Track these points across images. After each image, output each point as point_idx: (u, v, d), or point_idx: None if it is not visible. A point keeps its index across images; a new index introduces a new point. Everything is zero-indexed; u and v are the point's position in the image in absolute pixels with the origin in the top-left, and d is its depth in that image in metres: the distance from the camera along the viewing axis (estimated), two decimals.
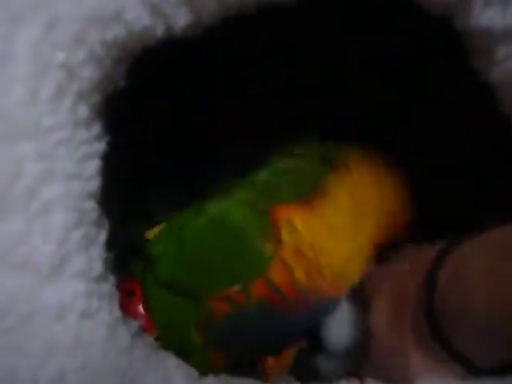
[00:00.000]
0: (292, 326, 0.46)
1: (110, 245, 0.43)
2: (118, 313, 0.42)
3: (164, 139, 0.54)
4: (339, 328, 0.51)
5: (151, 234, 0.53)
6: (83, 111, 0.39)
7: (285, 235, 0.43)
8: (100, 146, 0.40)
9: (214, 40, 0.40)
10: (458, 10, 0.32)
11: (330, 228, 0.43)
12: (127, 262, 0.50)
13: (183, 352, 0.47)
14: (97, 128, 0.40)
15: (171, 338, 0.48)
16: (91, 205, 0.40)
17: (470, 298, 0.35)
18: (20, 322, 0.37)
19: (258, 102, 0.50)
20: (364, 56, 0.44)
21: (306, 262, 0.43)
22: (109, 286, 0.42)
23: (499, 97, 0.32)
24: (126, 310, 0.44)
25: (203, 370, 0.45)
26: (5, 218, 0.37)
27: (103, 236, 0.42)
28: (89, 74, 0.38)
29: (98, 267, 0.41)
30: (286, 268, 0.42)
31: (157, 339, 0.47)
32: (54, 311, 0.38)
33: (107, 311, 0.41)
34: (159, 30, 0.38)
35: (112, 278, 0.43)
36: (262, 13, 0.37)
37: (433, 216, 0.45)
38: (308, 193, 0.44)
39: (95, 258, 0.41)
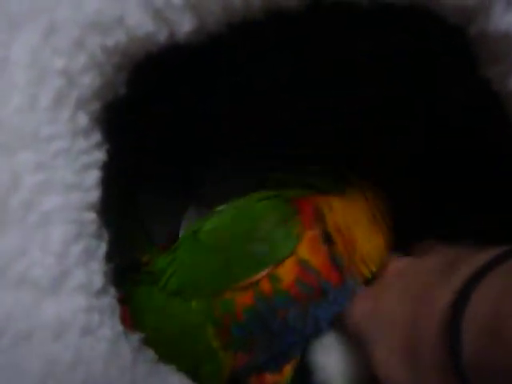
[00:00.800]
0: (313, 318, 0.46)
1: (110, 257, 0.41)
2: (119, 327, 0.41)
3: (164, 147, 0.52)
4: (327, 355, 0.51)
5: (147, 257, 0.52)
6: (82, 120, 0.38)
7: (326, 212, 0.45)
8: (99, 156, 0.39)
9: (218, 46, 0.38)
10: (477, 15, 0.31)
11: (357, 219, 0.46)
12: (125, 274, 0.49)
13: (196, 360, 0.46)
14: (96, 137, 0.39)
15: (183, 348, 0.47)
16: (91, 216, 0.39)
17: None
18: (18, 340, 0.36)
19: (265, 98, 0.49)
20: (373, 52, 0.43)
21: (345, 239, 0.45)
22: (109, 300, 0.41)
23: None
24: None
25: (215, 377, 0.45)
26: (1, 231, 0.35)
27: (103, 248, 0.41)
28: (89, 81, 0.37)
29: (98, 281, 0.39)
30: (322, 246, 0.44)
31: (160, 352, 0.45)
32: (53, 328, 0.37)
33: (108, 326, 0.40)
34: (162, 36, 0.36)
35: (112, 291, 0.42)
36: (269, 18, 0.36)
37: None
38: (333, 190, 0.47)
39: (95, 271, 0.39)
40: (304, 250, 0.44)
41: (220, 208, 0.49)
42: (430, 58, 0.43)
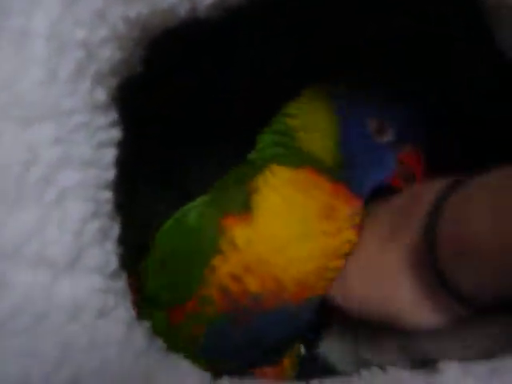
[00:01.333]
0: (261, 331, 0.46)
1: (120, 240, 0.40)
2: (132, 311, 0.40)
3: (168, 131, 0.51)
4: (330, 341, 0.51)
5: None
6: (101, 95, 0.37)
7: (229, 253, 0.42)
8: (116, 134, 0.38)
9: (236, 21, 0.38)
10: None
11: (271, 239, 0.43)
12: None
13: None
14: (113, 114, 0.38)
15: None
16: (107, 195, 0.38)
17: (472, 231, 0.35)
18: (34, 321, 0.34)
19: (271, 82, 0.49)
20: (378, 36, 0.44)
21: (258, 274, 0.42)
22: (122, 283, 0.40)
23: None
24: None
25: None
26: (19, 208, 0.34)
27: (116, 229, 0.39)
28: (108, 54, 0.36)
29: (113, 262, 0.38)
30: (236, 280, 0.42)
31: None
32: (70, 309, 0.35)
33: (123, 309, 0.39)
34: (183, 10, 0.36)
35: (124, 275, 0.41)
36: None
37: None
38: (243, 206, 0.43)
39: (110, 251, 0.38)
40: (226, 279, 0.43)
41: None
42: (443, 42, 0.43)
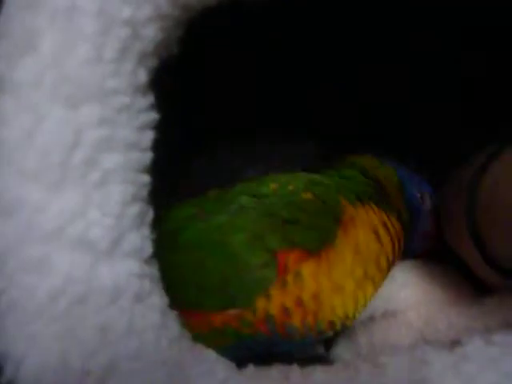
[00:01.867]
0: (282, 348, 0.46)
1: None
2: (166, 298, 0.39)
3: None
4: None
5: None
6: (142, 76, 0.36)
7: (290, 282, 0.42)
8: (154, 116, 0.38)
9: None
10: None
11: (333, 283, 0.43)
12: None
13: None
14: (151, 96, 0.38)
15: None
16: (146, 178, 0.37)
17: (502, 198, 0.37)
18: (74, 304, 0.34)
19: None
20: None
21: (305, 313, 0.42)
22: (156, 269, 0.40)
23: None
24: None
25: None
26: (62, 189, 0.33)
27: (151, 215, 0.39)
28: (152, 33, 0.35)
29: (149, 247, 0.38)
30: (284, 312, 0.42)
31: None
32: (109, 292, 0.35)
33: (158, 295, 0.38)
34: None
35: (156, 262, 0.40)
36: None
37: None
38: (319, 243, 0.43)
39: (146, 236, 0.38)
40: (275, 309, 0.42)
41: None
42: None
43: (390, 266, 0.47)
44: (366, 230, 0.45)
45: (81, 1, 0.33)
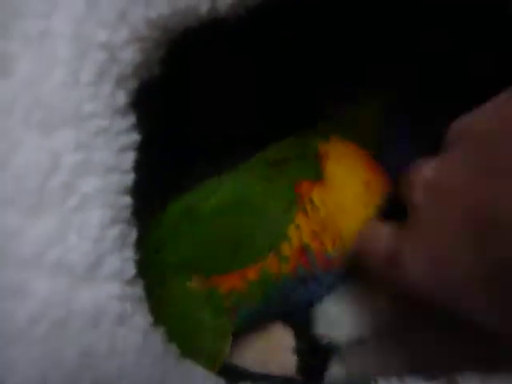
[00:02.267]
0: (312, 294, 0.49)
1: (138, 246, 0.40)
2: (150, 317, 0.39)
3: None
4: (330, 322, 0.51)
5: None
6: (121, 98, 0.36)
7: (309, 210, 0.45)
8: (136, 137, 0.37)
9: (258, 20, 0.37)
10: None
11: (341, 206, 0.46)
12: None
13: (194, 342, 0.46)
14: (132, 118, 0.37)
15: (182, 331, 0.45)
16: (127, 200, 0.37)
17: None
18: (53, 328, 0.34)
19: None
20: None
21: (331, 234, 0.45)
22: (140, 290, 0.39)
23: None
24: None
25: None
26: (39, 215, 0.33)
27: (134, 235, 0.39)
28: (129, 56, 0.35)
29: (131, 269, 0.38)
30: (316, 237, 0.45)
31: None
32: (89, 316, 0.35)
33: (141, 315, 0.38)
34: (204, 8, 0.35)
35: (141, 281, 0.40)
36: None
37: None
38: (316, 174, 0.47)
39: (128, 258, 0.38)
40: (306, 236, 0.45)
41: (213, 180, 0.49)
42: None
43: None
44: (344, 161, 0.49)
45: (55, 25, 0.32)
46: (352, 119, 0.52)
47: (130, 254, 0.38)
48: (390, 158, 0.49)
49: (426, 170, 0.39)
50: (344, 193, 0.47)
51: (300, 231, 0.45)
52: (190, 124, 0.49)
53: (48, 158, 0.33)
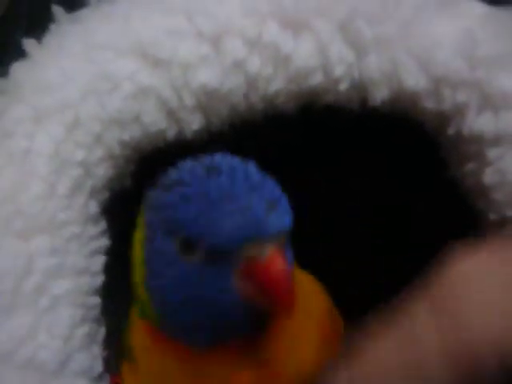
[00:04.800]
0: None
1: (107, 343, 0.42)
2: None
3: None
4: None
5: None
6: (93, 207, 0.40)
7: None
8: (106, 242, 0.41)
9: (220, 142, 0.42)
10: (451, 119, 0.36)
11: None
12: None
13: None
14: (103, 224, 0.41)
15: None
16: (96, 300, 0.40)
17: None
18: None
19: None
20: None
21: None
22: None
23: (493, 197, 0.36)
24: None
25: None
26: (12, 315, 0.36)
27: (102, 333, 0.42)
28: (103, 171, 0.40)
29: (98, 366, 0.40)
30: None
31: None
32: None
33: None
34: (172, 133, 0.40)
35: (107, 377, 0.42)
36: (268, 121, 0.41)
37: None
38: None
39: (96, 355, 0.40)
40: None
41: None
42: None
43: None
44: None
45: (37, 145, 0.37)
46: None
47: (98, 351, 0.40)
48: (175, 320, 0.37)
49: None
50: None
51: None
52: None
53: (24, 262, 0.36)
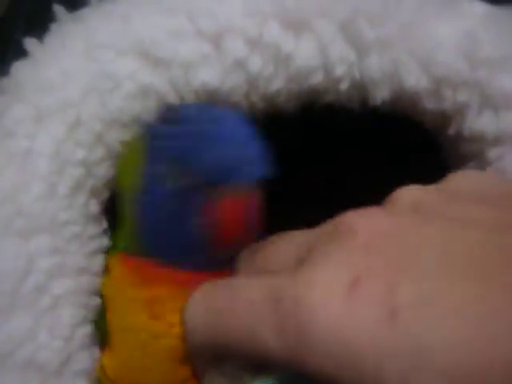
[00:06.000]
0: None
1: None
2: None
3: None
4: None
5: None
6: (94, 207, 0.40)
7: None
8: (106, 241, 0.41)
9: None
10: (452, 119, 0.37)
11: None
12: None
13: None
14: (103, 224, 0.41)
15: None
16: (96, 301, 0.40)
17: None
18: None
19: None
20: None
21: None
22: None
23: None
24: None
25: None
26: (12, 315, 0.36)
27: None
28: (104, 171, 0.40)
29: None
30: None
31: None
32: None
33: None
34: None
35: None
36: (269, 119, 0.41)
37: None
38: None
39: (97, 357, 0.40)
40: None
41: None
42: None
43: None
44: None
45: (38, 145, 0.37)
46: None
47: (98, 352, 0.40)
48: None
49: None
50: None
51: None
52: None
53: (24, 262, 0.36)
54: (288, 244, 0.33)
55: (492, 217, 0.27)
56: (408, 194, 0.30)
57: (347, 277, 0.26)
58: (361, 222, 0.28)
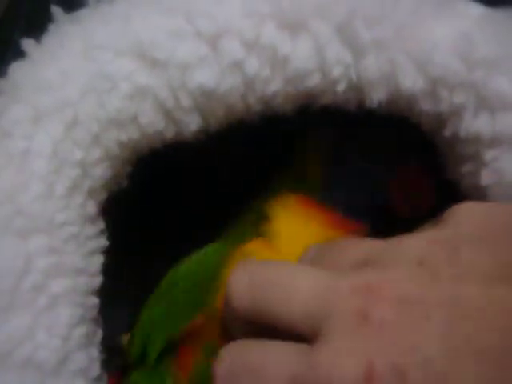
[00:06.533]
0: None
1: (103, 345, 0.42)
2: None
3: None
4: None
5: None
6: (91, 208, 0.40)
7: None
8: (103, 242, 0.41)
9: (217, 143, 0.43)
10: (448, 121, 0.37)
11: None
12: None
13: None
14: (101, 224, 0.42)
15: None
16: (94, 301, 0.40)
17: None
18: None
19: None
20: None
21: None
22: None
23: (490, 198, 0.36)
24: None
25: None
26: (11, 315, 0.36)
27: (100, 335, 0.42)
28: (101, 172, 0.40)
29: (96, 367, 0.40)
30: None
31: None
32: None
33: None
34: (169, 134, 0.40)
35: (106, 378, 0.42)
36: (265, 121, 0.41)
37: None
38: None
39: (94, 357, 0.40)
40: None
41: None
42: None
43: None
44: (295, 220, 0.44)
45: (36, 145, 0.37)
46: (301, 158, 0.47)
47: (95, 353, 0.40)
48: (340, 196, 0.43)
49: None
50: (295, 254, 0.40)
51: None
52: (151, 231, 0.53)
53: (22, 261, 0.36)
54: (354, 248, 0.36)
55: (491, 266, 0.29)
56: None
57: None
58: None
